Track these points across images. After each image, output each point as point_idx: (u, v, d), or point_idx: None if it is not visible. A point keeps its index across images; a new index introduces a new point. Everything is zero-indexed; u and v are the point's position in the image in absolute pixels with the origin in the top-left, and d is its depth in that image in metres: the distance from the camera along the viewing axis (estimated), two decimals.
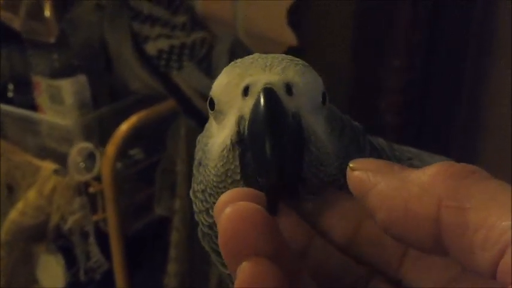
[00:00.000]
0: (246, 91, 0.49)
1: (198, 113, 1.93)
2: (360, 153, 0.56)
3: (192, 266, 2.15)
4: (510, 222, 0.35)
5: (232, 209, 0.41)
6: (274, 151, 0.45)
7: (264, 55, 0.54)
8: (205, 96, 1.86)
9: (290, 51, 1.74)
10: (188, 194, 0.61)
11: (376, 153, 0.59)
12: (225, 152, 0.51)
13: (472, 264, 0.38)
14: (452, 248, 0.39)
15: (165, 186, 2.19)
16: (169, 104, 2.03)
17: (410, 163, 0.64)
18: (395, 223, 0.42)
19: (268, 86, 0.48)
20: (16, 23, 2.04)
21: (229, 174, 0.51)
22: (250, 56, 0.55)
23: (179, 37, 1.96)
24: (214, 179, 0.53)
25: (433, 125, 1.70)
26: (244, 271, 0.39)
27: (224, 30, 1.98)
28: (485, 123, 1.63)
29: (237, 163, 0.50)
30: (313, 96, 0.52)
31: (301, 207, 0.50)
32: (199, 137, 0.59)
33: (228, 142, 0.50)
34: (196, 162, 0.59)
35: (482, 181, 0.39)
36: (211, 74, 1.93)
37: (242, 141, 0.49)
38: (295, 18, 1.77)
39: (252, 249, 0.40)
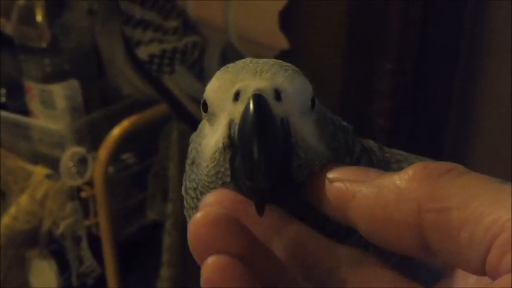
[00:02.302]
0: (236, 96, 0.51)
1: (190, 117, 1.93)
2: (349, 155, 0.57)
3: (184, 269, 2.15)
4: (493, 216, 0.35)
5: (198, 215, 0.42)
6: (261, 155, 0.47)
7: (255, 60, 0.55)
8: (197, 100, 1.86)
9: (282, 54, 1.75)
10: (180, 198, 0.62)
11: (366, 154, 0.60)
12: (216, 154, 0.52)
13: (461, 263, 0.38)
14: (439, 250, 0.39)
15: (158, 191, 2.19)
16: (161, 108, 2.03)
17: (399, 165, 0.64)
18: (377, 233, 0.41)
19: (258, 92, 0.49)
20: (8, 27, 2.04)
21: (219, 176, 0.52)
22: (242, 60, 0.56)
23: (171, 41, 1.96)
24: (206, 179, 0.54)
25: (425, 128, 1.70)
26: (205, 267, 0.40)
27: (216, 34, 1.98)
28: (480, 125, 1.62)
29: (227, 166, 0.51)
30: (302, 101, 0.53)
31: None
32: (192, 136, 0.60)
33: (220, 145, 0.52)
34: (189, 160, 0.60)
35: (459, 178, 0.39)
36: (203, 77, 1.93)
37: (233, 145, 0.51)
38: (287, 21, 1.77)
39: (214, 249, 0.41)
